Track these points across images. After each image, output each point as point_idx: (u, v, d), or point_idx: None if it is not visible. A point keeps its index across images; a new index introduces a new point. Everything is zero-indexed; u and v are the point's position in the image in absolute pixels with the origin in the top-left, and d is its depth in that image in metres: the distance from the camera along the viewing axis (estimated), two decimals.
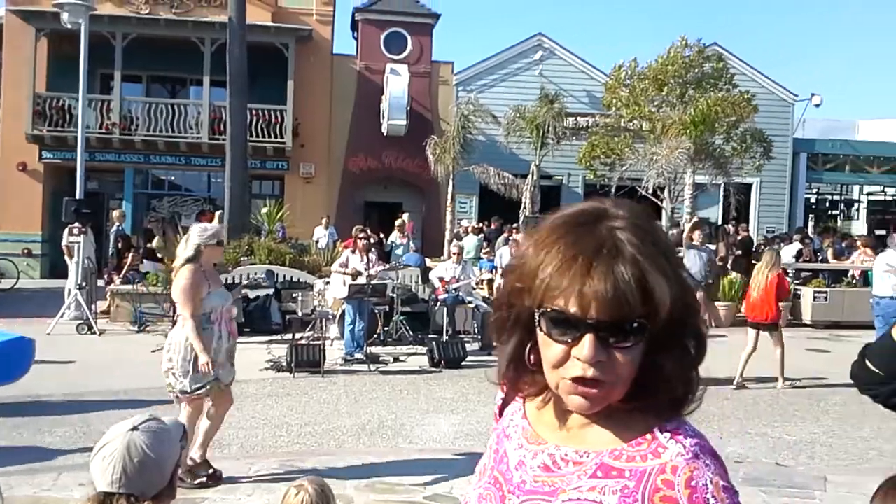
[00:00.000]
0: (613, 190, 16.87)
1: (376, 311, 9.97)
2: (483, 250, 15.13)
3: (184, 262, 4.79)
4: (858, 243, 15.04)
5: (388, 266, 11.05)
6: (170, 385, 4.76)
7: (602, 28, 67.22)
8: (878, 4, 61.56)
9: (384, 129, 19.31)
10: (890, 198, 25.16)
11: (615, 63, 17.62)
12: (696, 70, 16.35)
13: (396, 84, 19.11)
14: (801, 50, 65.90)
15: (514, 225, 15.96)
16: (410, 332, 10.39)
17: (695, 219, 14.40)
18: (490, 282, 11.98)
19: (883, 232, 20.11)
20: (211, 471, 4.89)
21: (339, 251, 12.02)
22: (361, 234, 10.17)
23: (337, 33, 22.08)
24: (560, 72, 20.23)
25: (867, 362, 1.37)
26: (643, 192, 15.98)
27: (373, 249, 10.39)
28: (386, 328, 10.34)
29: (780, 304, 8.59)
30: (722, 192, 18.62)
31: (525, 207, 17.11)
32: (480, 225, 17.58)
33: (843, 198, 25.69)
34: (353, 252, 9.90)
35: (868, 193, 25.19)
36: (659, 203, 16.65)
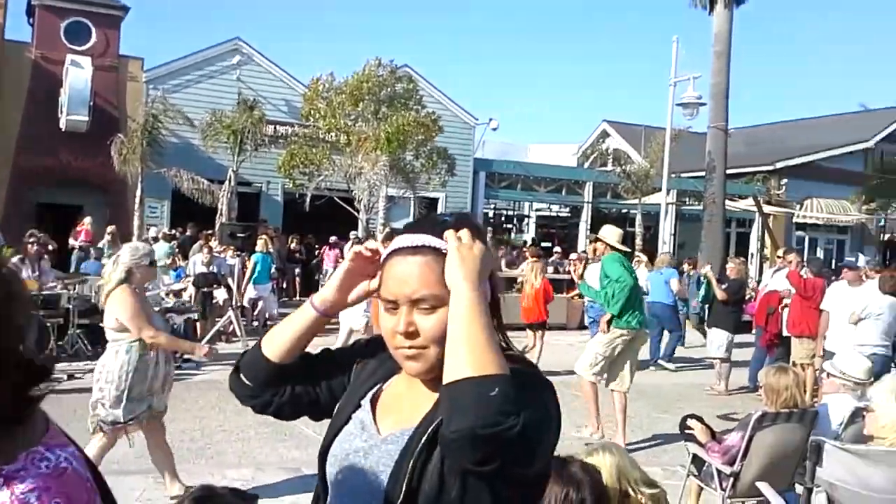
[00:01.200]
0: (309, 199, 17.22)
1: (48, 325, 9.11)
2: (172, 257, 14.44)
3: (116, 283, 4.59)
4: (526, 252, 17.00)
5: (65, 276, 10.14)
6: (95, 416, 4.56)
7: (303, 40, 67.79)
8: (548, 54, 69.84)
9: (62, 125, 17.60)
10: (554, 214, 28.73)
11: (313, 75, 17.97)
12: (389, 89, 17.29)
13: (77, 76, 17.51)
14: (483, 79, 72.58)
15: (210, 232, 15.50)
16: (89, 347, 9.64)
17: (387, 229, 15.22)
18: (180, 292, 11.51)
19: (549, 244, 22.97)
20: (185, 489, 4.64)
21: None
22: (31, 240, 9.24)
23: (12, 16, 19.65)
24: (259, 79, 20.04)
25: (241, 375, 1.50)
26: (339, 202, 16.47)
27: (45, 257, 9.48)
28: (60, 342, 9.49)
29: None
30: (412, 205, 19.83)
31: (221, 214, 16.70)
32: (173, 231, 16.76)
33: (515, 213, 28.72)
34: (23, 260, 8.95)
35: (537, 210, 28.50)
36: (355, 213, 17.33)
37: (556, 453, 1.34)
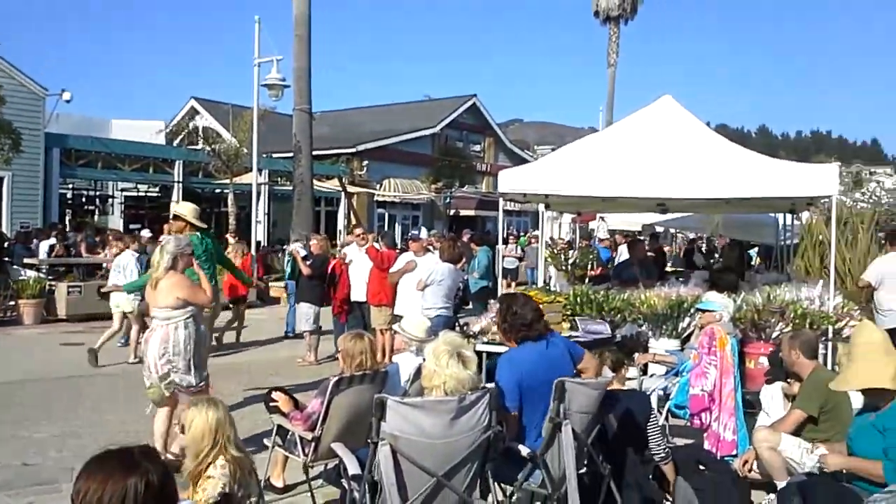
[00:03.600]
0: None
1: None
2: None
3: (166, 269, 5.49)
4: (110, 237, 15.71)
5: None
6: (171, 383, 5.36)
7: None
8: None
9: None
10: (142, 194, 27.01)
11: None
12: None
13: None
14: (55, 46, 64.79)
15: None
16: None
17: None
18: None
19: (138, 226, 21.52)
20: None
21: None
22: None
23: None
24: None
25: None
26: None
27: None
28: None
29: None
30: None
31: None
32: None
33: (98, 193, 26.38)
34: None
35: (122, 189, 26.49)
36: None
37: None
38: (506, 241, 20.94)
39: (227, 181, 21.86)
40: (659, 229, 16.56)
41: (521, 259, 19.98)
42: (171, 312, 5.44)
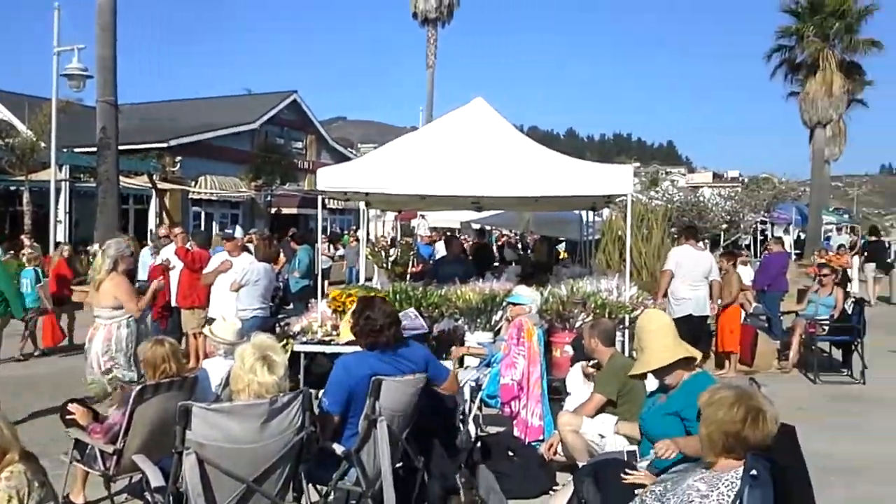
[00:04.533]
0: None
1: None
2: None
3: (108, 271, 5.90)
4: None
5: None
6: (114, 378, 5.70)
7: None
8: None
9: None
10: None
11: None
12: None
13: None
14: None
15: None
16: None
17: None
18: None
19: None
20: None
21: None
22: None
23: None
24: None
25: None
26: None
27: None
28: None
29: None
30: None
31: None
32: None
33: None
34: None
35: None
36: None
37: None
38: (332, 241, 20.80)
39: (23, 178, 20.03)
40: (475, 226, 17.13)
41: (333, 259, 19.84)
42: (114, 312, 5.84)
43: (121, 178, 17.93)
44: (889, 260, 20.10)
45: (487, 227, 20.28)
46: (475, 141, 7.98)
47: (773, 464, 2.73)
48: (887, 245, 22.89)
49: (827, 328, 9.70)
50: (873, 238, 20.27)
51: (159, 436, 4.30)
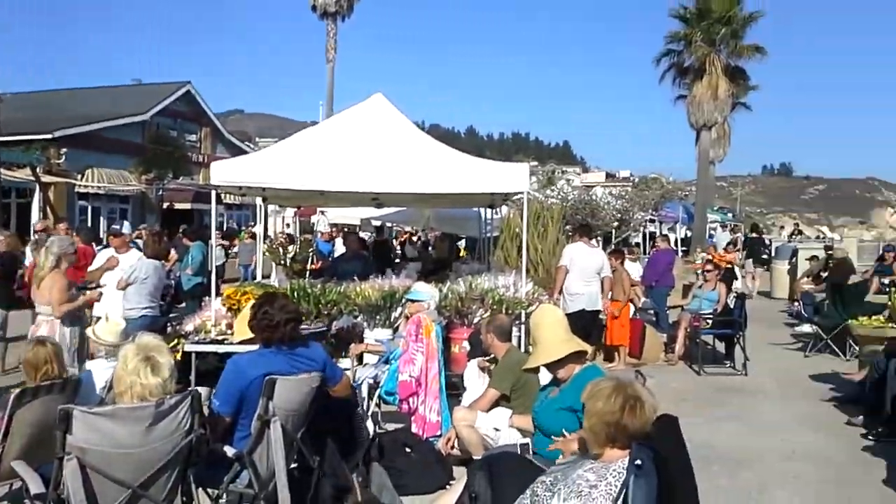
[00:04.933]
0: None
1: None
2: None
3: (50, 268, 6.09)
4: None
5: None
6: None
7: None
8: None
9: None
10: None
11: None
12: None
13: None
14: None
15: None
16: None
17: None
18: None
19: None
20: None
21: None
22: None
23: None
24: None
25: None
26: None
27: None
28: None
29: None
30: None
31: None
32: None
33: None
34: None
35: None
36: None
37: None
38: (227, 237, 20.20)
39: None
40: (376, 223, 17.07)
41: (228, 255, 19.29)
42: (59, 305, 6.00)
43: (2, 170, 16.88)
44: (764, 257, 21.40)
45: (388, 224, 20.26)
46: (375, 137, 7.95)
47: (656, 453, 2.85)
48: (767, 242, 24.34)
49: (710, 322, 10.18)
50: (754, 235, 21.51)
51: (42, 440, 4.09)
